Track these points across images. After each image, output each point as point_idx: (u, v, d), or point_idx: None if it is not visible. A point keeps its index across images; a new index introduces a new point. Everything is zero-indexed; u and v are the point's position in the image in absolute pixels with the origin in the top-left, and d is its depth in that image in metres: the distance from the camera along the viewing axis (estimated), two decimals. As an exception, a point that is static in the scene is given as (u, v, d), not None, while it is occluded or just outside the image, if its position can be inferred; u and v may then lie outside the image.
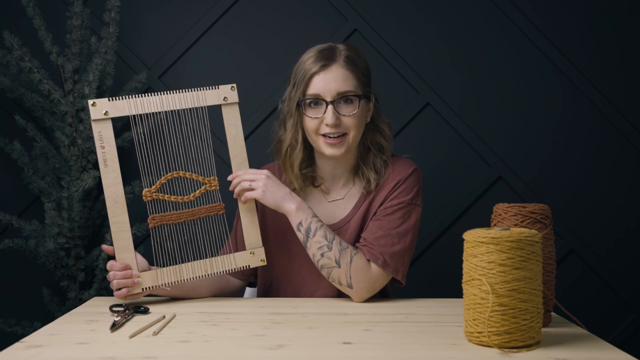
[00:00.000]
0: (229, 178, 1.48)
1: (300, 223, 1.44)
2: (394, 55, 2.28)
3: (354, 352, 1.07)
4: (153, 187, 1.42)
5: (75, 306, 1.89)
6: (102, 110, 1.38)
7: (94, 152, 2.10)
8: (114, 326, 1.22)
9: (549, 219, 1.25)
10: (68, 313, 1.38)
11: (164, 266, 1.42)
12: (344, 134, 1.48)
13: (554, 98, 2.27)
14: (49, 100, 2.11)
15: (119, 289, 1.40)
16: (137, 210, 2.28)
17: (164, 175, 1.42)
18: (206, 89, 1.47)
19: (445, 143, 2.28)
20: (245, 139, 2.24)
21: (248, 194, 1.46)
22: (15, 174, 2.23)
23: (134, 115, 1.41)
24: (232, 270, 1.47)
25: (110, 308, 1.36)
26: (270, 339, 1.15)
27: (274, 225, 1.57)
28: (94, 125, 1.38)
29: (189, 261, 1.43)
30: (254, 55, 2.29)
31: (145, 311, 1.35)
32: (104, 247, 1.47)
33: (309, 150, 1.58)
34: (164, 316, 1.31)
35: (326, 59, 1.47)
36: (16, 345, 1.11)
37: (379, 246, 1.45)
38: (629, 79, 2.27)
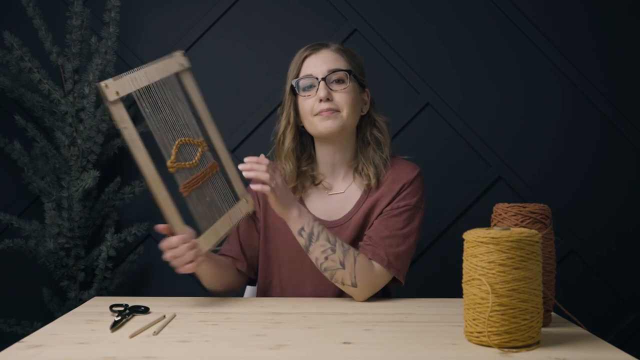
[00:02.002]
0: (247, 160, 1.42)
1: (302, 228, 1.45)
2: (394, 55, 2.28)
3: (354, 352, 1.07)
4: (171, 157, 1.38)
5: (75, 306, 1.89)
6: (114, 91, 1.34)
7: (94, 152, 2.10)
8: (114, 326, 1.22)
9: (549, 219, 1.25)
10: (68, 313, 1.38)
11: (202, 232, 1.41)
12: (337, 111, 1.52)
13: (553, 98, 2.27)
14: (49, 100, 2.10)
15: (184, 264, 1.38)
16: (136, 210, 2.29)
17: (172, 145, 1.38)
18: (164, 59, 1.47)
19: (445, 143, 2.28)
20: (246, 138, 2.28)
21: (262, 188, 1.42)
22: (15, 174, 2.23)
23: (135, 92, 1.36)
24: (247, 213, 1.50)
25: (110, 308, 1.36)
26: (270, 339, 1.15)
27: (276, 221, 1.58)
28: (112, 108, 1.32)
29: (216, 220, 1.42)
30: (254, 55, 2.29)
31: (145, 311, 1.35)
32: (159, 226, 1.39)
33: (309, 150, 1.62)
34: (164, 316, 1.31)
35: (318, 45, 1.58)
36: (16, 345, 1.11)
37: (385, 246, 1.48)
38: (629, 79, 2.27)
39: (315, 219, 1.47)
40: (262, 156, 1.43)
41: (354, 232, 1.54)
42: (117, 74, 2.16)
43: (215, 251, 1.58)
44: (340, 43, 1.62)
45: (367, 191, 1.56)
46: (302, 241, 1.46)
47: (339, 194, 1.59)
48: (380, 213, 1.53)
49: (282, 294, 1.59)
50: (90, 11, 2.17)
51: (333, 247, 1.44)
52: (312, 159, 1.62)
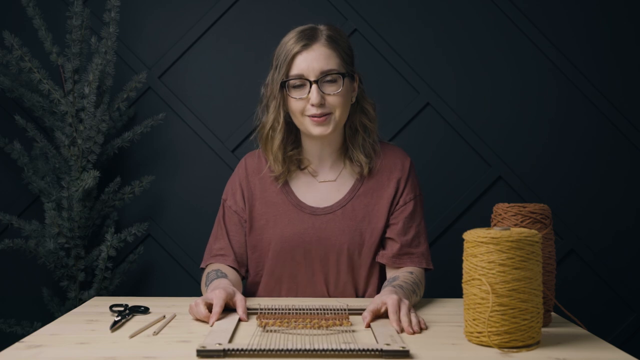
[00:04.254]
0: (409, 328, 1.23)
1: None
2: (394, 55, 2.28)
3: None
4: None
5: (75, 306, 1.89)
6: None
7: (94, 152, 2.10)
8: (114, 326, 1.22)
9: (549, 219, 1.25)
10: (68, 313, 1.38)
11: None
12: (330, 113, 1.49)
13: (553, 98, 2.27)
14: (49, 100, 2.10)
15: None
16: (136, 210, 2.29)
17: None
18: None
19: (446, 143, 2.28)
20: (246, 138, 2.28)
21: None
22: (15, 174, 2.23)
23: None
24: None
25: (110, 308, 1.36)
26: (270, 339, 1.14)
27: (264, 213, 1.57)
28: None
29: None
30: (254, 55, 2.29)
31: (145, 311, 1.35)
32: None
33: (295, 133, 1.59)
34: (164, 316, 1.31)
35: (307, 39, 1.49)
36: (16, 345, 1.11)
37: (415, 248, 1.55)
38: (629, 79, 2.27)
39: (400, 287, 1.39)
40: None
41: (348, 220, 1.54)
42: (117, 74, 2.19)
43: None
44: (328, 25, 1.53)
45: (360, 179, 1.57)
46: None
47: (331, 182, 1.58)
48: (390, 212, 1.56)
49: (274, 285, 1.58)
50: (90, 11, 2.17)
51: (416, 293, 1.45)
52: (298, 142, 1.60)
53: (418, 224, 1.57)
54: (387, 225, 1.56)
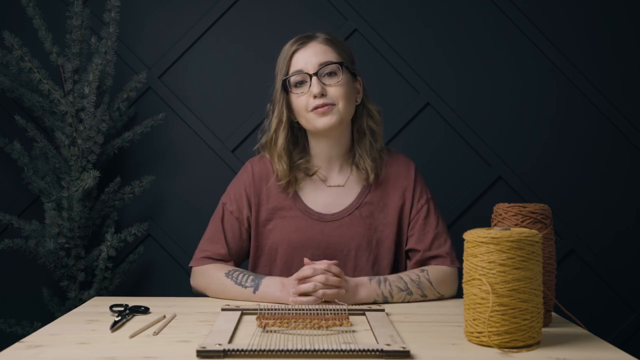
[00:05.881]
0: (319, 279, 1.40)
1: (374, 301, 1.45)
2: (394, 55, 2.27)
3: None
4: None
5: (75, 306, 1.89)
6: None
7: (94, 152, 2.10)
8: (114, 326, 1.22)
9: (549, 219, 1.25)
10: (68, 313, 1.38)
11: None
12: (333, 105, 1.51)
13: (553, 98, 2.27)
14: (49, 100, 2.10)
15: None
16: (136, 210, 2.29)
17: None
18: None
19: (446, 143, 2.28)
20: (246, 138, 2.28)
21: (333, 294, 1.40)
22: (15, 174, 2.23)
23: None
24: None
25: (110, 308, 1.36)
26: (270, 339, 1.14)
27: (271, 217, 1.58)
28: None
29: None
30: (254, 55, 2.29)
31: (145, 311, 1.35)
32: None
33: (302, 143, 1.61)
34: (164, 316, 1.31)
35: (305, 38, 1.55)
36: (16, 345, 1.11)
37: (438, 248, 1.55)
38: (629, 79, 2.27)
39: (379, 280, 1.46)
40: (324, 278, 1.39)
41: (356, 227, 1.55)
42: (117, 74, 2.19)
43: (213, 258, 1.59)
44: (328, 32, 1.60)
45: (367, 186, 1.58)
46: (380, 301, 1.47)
47: (339, 187, 1.59)
48: (399, 220, 1.57)
49: None
50: (90, 11, 2.17)
51: (409, 291, 1.46)
52: (305, 151, 1.61)
53: (435, 226, 1.58)
54: (398, 232, 1.58)
